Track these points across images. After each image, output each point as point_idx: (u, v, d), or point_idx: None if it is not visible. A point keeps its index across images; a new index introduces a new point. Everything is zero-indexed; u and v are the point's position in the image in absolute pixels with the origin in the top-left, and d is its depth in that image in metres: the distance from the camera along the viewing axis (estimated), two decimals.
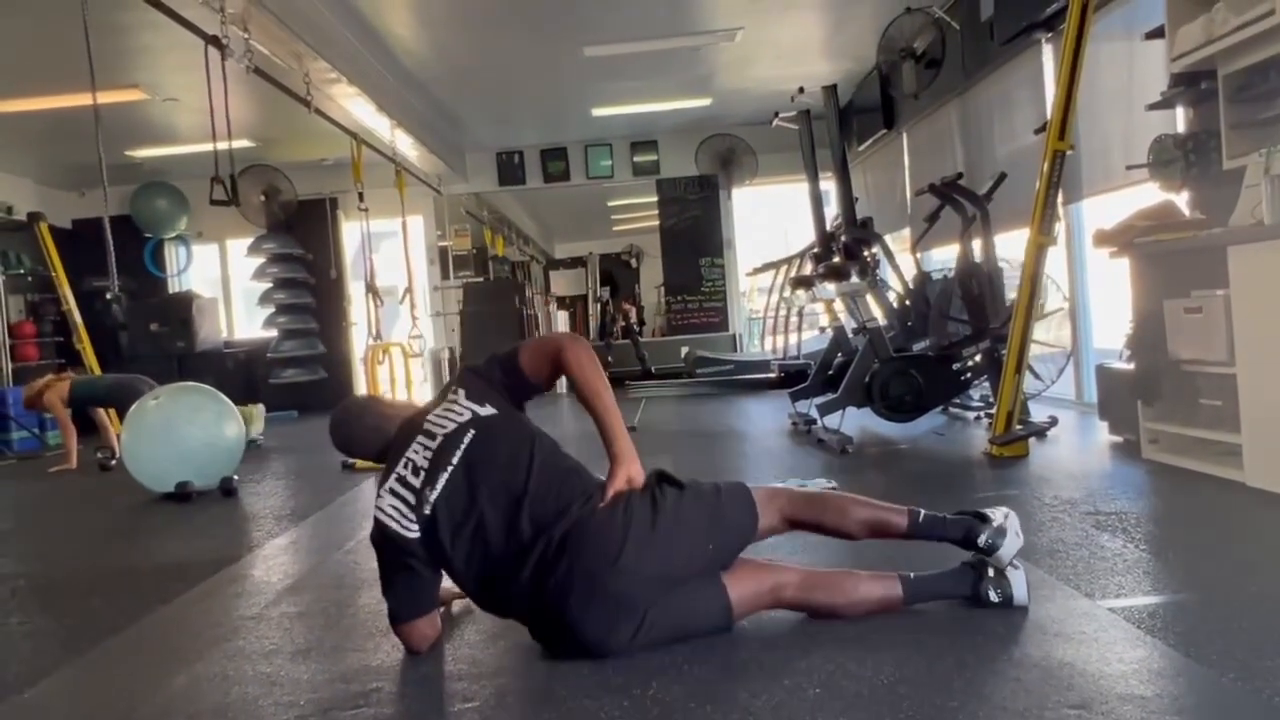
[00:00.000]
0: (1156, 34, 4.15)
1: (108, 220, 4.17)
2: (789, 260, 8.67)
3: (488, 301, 10.85)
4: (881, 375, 5.13)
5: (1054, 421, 4.67)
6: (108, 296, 4.76)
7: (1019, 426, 4.30)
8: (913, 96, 7.04)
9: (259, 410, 7.39)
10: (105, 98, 5.16)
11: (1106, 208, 5.21)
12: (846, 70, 8.35)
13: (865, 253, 6.04)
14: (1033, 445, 4.37)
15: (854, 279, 5.68)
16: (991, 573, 2.15)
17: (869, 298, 5.55)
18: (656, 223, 11.41)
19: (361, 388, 9.65)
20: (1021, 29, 5.50)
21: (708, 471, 4.56)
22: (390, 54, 6.99)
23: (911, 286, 5.86)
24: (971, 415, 5.72)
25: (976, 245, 5.17)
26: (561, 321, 11.08)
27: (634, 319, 12.49)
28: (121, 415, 5.15)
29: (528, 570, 1.98)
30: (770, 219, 14.96)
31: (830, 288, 5.93)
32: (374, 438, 2.22)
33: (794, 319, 8.69)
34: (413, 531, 2.01)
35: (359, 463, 5.51)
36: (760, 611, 2.13)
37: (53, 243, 8.07)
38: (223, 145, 4.30)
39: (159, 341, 9.64)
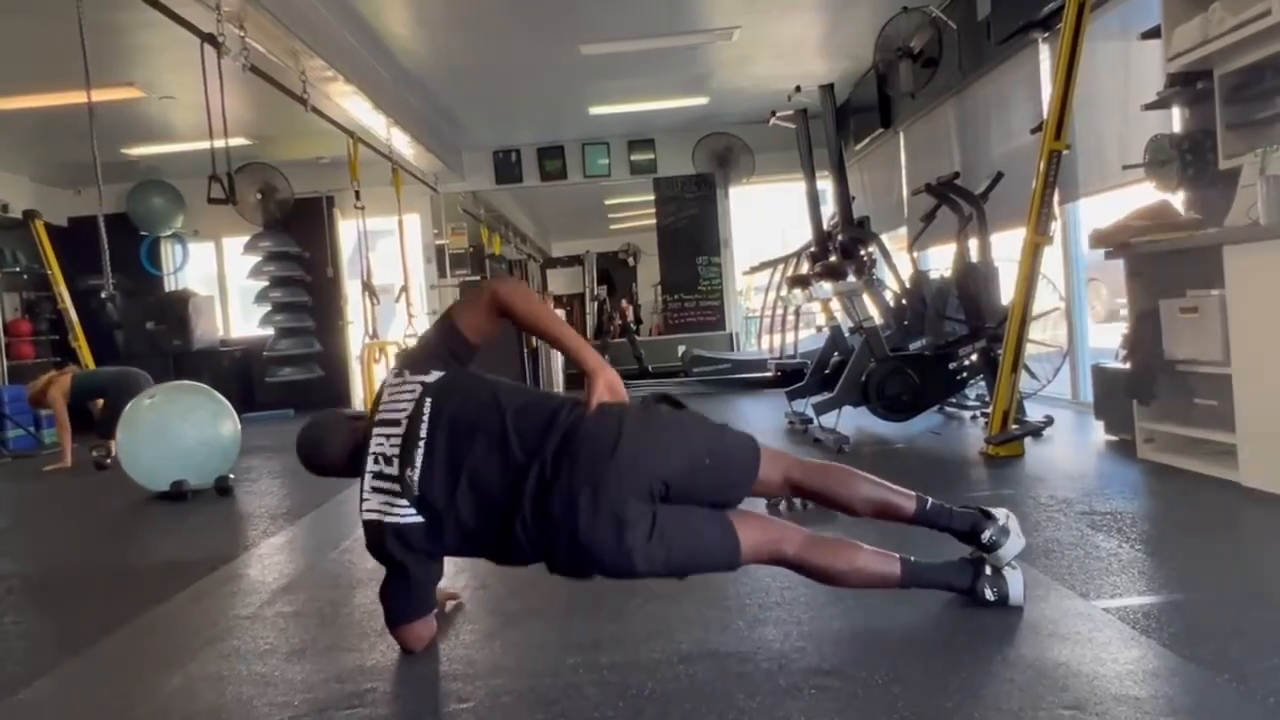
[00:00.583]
0: (1153, 34, 4.15)
1: (103, 218, 4.16)
2: (786, 259, 8.67)
3: None
4: (878, 374, 5.13)
5: (1050, 421, 4.68)
6: (103, 295, 4.75)
7: (1015, 426, 4.31)
8: (910, 96, 7.04)
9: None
10: (101, 95, 5.14)
11: (1103, 207, 5.22)
12: (844, 69, 8.35)
13: (862, 252, 6.04)
14: (1028, 445, 4.37)
15: (850, 278, 5.69)
16: (989, 570, 2.15)
17: (865, 297, 5.56)
18: (654, 221, 11.40)
19: (358, 386, 9.65)
20: (1018, 28, 5.50)
21: None
22: (387, 52, 6.98)
23: (908, 286, 5.87)
24: (967, 414, 5.72)
25: (973, 244, 5.17)
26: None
27: (631, 318, 12.47)
28: (121, 406, 5.13)
29: (528, 498, 1.92)
30: (766, 215, 14.94)
31: (827, 287, 5.93)
32: (345, 454, 2.16)
33: (791, 318, 8.69)
34: (410, 516, 1.98)
35: None
36: (761, 564, 2.07)
37: (49, 240, 8.06)
38: (219, 143, 4.29)
39: (155, 339, 9.62)
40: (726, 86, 8.76)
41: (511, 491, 1.94)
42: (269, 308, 9.80)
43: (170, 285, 10.55)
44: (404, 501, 1.98)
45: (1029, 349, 4.46)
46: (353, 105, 6.53)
